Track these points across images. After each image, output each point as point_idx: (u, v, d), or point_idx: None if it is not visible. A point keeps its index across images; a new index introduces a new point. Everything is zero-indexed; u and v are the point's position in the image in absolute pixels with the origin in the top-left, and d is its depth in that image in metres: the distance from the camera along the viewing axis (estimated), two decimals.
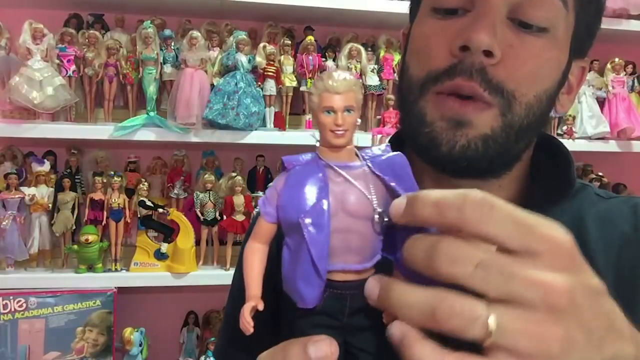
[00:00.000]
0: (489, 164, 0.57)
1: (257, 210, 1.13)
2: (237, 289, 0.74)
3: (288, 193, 0.37)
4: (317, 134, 0.39)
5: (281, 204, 0.38)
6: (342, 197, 0.37)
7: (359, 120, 0.39)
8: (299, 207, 0.37)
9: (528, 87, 0.56)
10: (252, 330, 0.38)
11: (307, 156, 0.39)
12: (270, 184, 0.40)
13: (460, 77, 0.54)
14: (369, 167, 0.39)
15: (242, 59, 1.61)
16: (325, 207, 0.36)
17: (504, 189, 0.62)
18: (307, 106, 1.74)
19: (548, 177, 0.62)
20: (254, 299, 0.38)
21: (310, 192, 0.37)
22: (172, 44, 1.64)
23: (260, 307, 0.38)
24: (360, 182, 0.38)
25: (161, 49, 1.62)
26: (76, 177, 1.67)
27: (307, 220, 0.36)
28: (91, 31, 1.63)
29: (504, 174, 0.60)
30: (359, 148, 0.40)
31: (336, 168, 0.38)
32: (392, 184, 0.38)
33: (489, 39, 0.52)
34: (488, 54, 0.53)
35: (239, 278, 0.77)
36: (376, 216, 0.37)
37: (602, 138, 1.91)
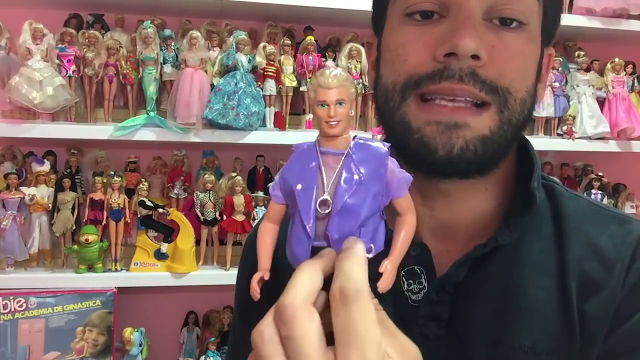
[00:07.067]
0: (488, 162, 0.57)
1: None
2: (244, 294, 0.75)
3: (288, 168, 0.43)
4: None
5: (282, 176, 0.43)
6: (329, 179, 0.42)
7: (352, 112, 0.43)
8: (294, 178, 0.42)
9: (520, 82, 0.56)
10: (258, 296, 0.42)
11: (310, 143, 0.44)
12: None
13: (449, 81, 0.53)
14: (347, 156, 0.42)
15: (242, 59, 1.61)
16: (315, 176, 0.41)
17: (490, 190, 0.62)
18: (307, 106, 1.74)
19: (523, 183, 0.61)
20: (263, 271, 0.43)
21: (305, 168, 0.42)
22: (172, 44, 1.64)
23: (266, 277, 0.43)
24: (331, 167, 0.42)
25: (161, 49, 1.62)
26: (76, 177, 1.67)
27: (299, 186, 0.41)
28: (91, 31, 1.63)
29: (492, 172, 0.59)
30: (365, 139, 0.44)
31: (323, 153, 0.43)
32: (345, 174, 0.41)
33: (475, 43, 0.52)
34: (475, 57, 0.53)
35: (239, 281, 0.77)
36: (318, 200, 0.41)
37: (602, 138, 1.91)
